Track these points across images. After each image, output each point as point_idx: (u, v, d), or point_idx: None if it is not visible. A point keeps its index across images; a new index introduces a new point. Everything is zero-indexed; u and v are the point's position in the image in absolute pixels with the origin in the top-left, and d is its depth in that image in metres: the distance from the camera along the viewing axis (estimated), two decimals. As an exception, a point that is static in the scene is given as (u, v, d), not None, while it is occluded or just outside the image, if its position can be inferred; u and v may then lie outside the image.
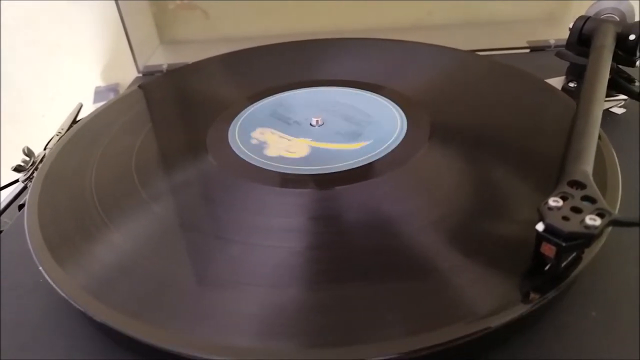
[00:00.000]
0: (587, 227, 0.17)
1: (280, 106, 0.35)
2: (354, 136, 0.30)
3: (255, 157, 0.29)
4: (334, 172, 0.27)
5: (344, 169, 0.27)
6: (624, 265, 0.22)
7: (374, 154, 0.28)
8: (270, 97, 0.36)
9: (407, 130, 0.30)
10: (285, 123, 0.33)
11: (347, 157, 0.28)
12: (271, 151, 0.29)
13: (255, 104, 0.35)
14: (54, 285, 0.21)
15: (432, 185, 0.26)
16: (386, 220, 0.24)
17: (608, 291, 0.21)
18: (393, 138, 0.29)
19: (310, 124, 0.32)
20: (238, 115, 0.34)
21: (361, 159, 0.28)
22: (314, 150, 0.29)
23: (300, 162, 0.28)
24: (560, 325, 0.20)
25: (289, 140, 0.31)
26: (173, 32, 0.58)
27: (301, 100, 0.35)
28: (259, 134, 0.31)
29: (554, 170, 0.24)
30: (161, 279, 0.21)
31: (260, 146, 0.30)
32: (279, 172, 0.27)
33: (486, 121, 0.31)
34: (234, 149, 0.30)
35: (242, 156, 0.29)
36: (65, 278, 0.21)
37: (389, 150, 0.28)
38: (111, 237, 0.23)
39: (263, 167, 0.28)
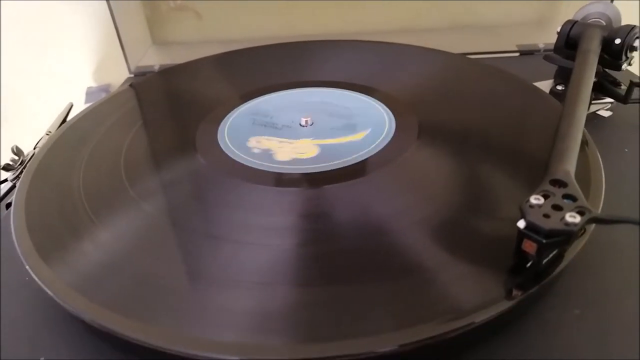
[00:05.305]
0: (567, 224, 0.18)
1: (257, 114, 0.34)
2: (351, 128, 0.31)
3: (268, 164, 0.28)
4: (329, 170, 0.27)
5: (362, 159, 0.28)
6: (607, 264, 0.23)
7: (367, 150, 0.29)
8: (246, 104, 0.35)
9: (396, 129, 0.30)
10: (273, 128, 0.32)
11: (358, 148, 0.29)
12: (282, 156, 0.29)
13: (234, 111, 0.34)
14: (40, 284, 0.20)
15: (417, 184, 0.26)
16: (373, 218, 0.24)
17: (591, 289, 0.22)
18: (382, 137, 0.30)
19: (300, 125, 0.32)
20: (226, 117, 0.34)
21: (371, 147, 0.29)
22: (324, 148, 0.29)
23: (313, 160, 0.28)
24: (544, 322, 0.20)
25: (290, 143, 0.30)
26: (165, 33, 0.58)
27: (277, 103, 0.35)
28: (256, 143, 0.30)
29: (539, 170, 0.24)
30: (149, 277, 0.21)
31: (267, 154, 0.29)
32: (295, 173, 0.27)
33: (475, 123, 0.32)
34: (225, 150, 0.30)
35: (247, 164, 0.28)
36: (52, 276, 0.21)
37: (379, 149, 0.29)
38: (99, 235, 0.23)
39: (281, 171, 0.27)
